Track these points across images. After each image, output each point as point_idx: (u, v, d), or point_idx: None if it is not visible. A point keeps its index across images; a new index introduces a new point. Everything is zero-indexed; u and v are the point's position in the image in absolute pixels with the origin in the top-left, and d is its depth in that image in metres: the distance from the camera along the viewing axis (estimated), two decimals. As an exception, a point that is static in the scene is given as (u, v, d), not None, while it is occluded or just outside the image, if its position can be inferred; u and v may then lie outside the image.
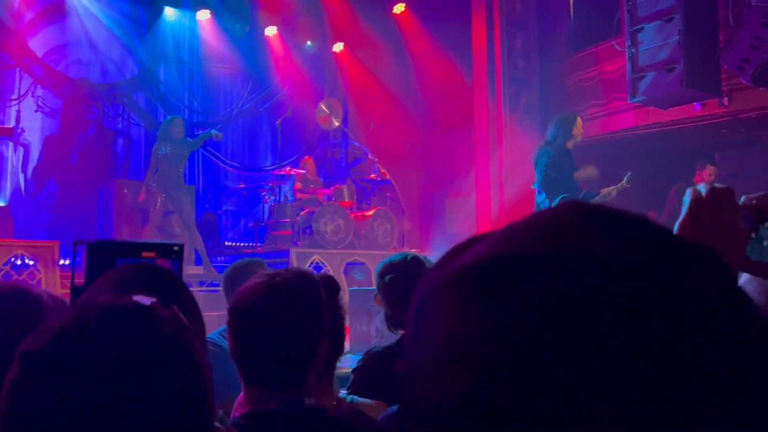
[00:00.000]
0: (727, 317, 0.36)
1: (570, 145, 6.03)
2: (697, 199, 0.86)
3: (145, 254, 0.99)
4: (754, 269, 0.90)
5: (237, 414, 1.42)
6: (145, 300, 0.75)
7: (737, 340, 0.35)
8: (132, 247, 1.01)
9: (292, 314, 1.41)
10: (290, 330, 1.41)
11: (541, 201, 6.04)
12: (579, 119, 6.20)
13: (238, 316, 1.42)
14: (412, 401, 0.40)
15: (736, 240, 0.83)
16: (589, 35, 8.63)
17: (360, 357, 2.43)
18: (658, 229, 0.39)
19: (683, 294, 0.36)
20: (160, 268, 0.90)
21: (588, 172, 6.00)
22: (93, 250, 0.96)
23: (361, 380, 2.26)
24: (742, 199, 0.90)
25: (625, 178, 6.00)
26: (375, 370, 2.24)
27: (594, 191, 6.05)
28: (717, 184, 0.86)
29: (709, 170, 6.85)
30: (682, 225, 0.86)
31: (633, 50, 6.54)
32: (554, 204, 5.72)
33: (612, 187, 6.03)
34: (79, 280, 1.01)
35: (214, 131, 8.56)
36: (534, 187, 6.19)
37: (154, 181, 7.69)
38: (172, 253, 1.05)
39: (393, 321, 2.40)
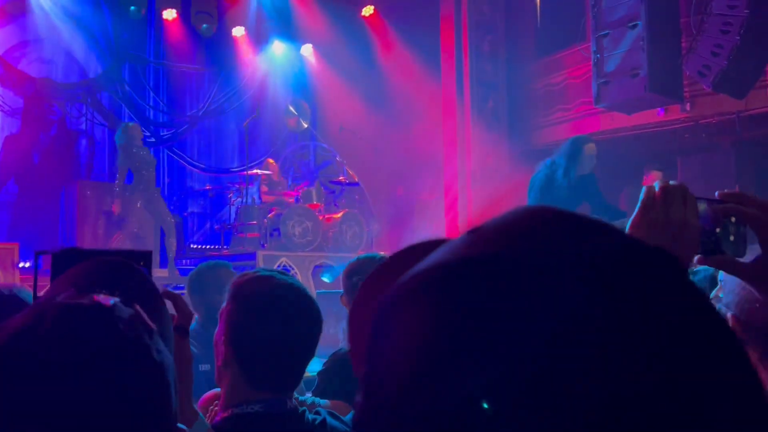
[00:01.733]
0: (679, 317, 0.36)
1: (568, 174, 5.44)
2: (648, 197, 0.88)
3: (96, 260, 0.97)
4: (710, 263, 0.92)
5: (217, 417, 1.42)
6: (106, 299, 0.74)
7: (689, 340, 0.35)
8: (97, 254, 1.00)
9: (299, 314, 1.44)
10: (296, 331, 1.43)
11: None
12: (589, 146, 5.59)
13: (248, 316, 1.41)
14: (372, 411, 0.39)
15: (686, 235, 0.85)
16: (556, 40, 8.74)
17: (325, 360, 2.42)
18: (611, 233, 0.39)
19: (631, 299, 0.35)
20: (125, 265, 0.89)
21: None
22: (58, 259, 0.95)
23: (326, 383, 2.25)
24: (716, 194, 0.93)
25: None
26: (339, 372, 2.24)
27: None
28: (671, 182, 0.88)
29: (654, 175, 6.96)
30: (633, 222, 0.88)
31: (598, 56, 6.64)
32: None
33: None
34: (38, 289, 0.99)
35: None
36: None
37: (129, 188, 7.62)
38: (141, 260, 1.04)
39: None
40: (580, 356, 0.33)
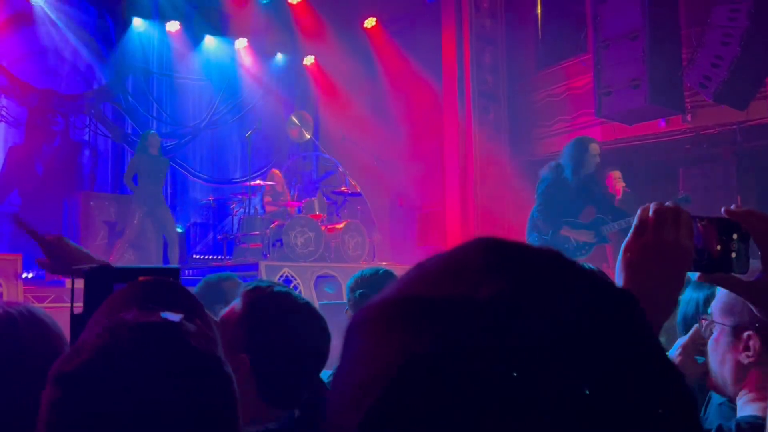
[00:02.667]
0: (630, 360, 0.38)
1: (578, 174, 5.55)
2: (641, 220, 0.89)
3: (142, 279, 0.99)
4: (710, 280, 0.94)
5: None
6: (174, 316, 0.77)
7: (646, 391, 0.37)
8: (129, 272, 1.01)
9: (317, 334, 1.48)
10: (314, 350, 1.47)
11: (531, 227, 5.75)
12: (592, 146, 5.68)
13: (268, 335, 1.43)
14: (330, 421, 0.42)
15: (678, 257, 0.86)
16: (557, 52, 8.78)
17: (330, 373, 2.41)
18: (560, 266, 0.41)
19: (578, 339, 0.37)
20: (168, 282, 0.91)
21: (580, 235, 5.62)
22: (90, 276, 0.96)
23: None
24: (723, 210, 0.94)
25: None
26: None
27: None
28: (667, 203, 0.90)
29: (613, 174, 7.01)
30: (626, 245, 0.89)
31: (599, 67, 6.67)
32: (547, 236, 5.57)
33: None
34: (78, 307, 1.01)
35: None
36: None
37: (134, 197, 7.65)
38: (170, 276, 1.05)
39: None
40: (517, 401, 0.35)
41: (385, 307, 0.42)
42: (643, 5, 6.30)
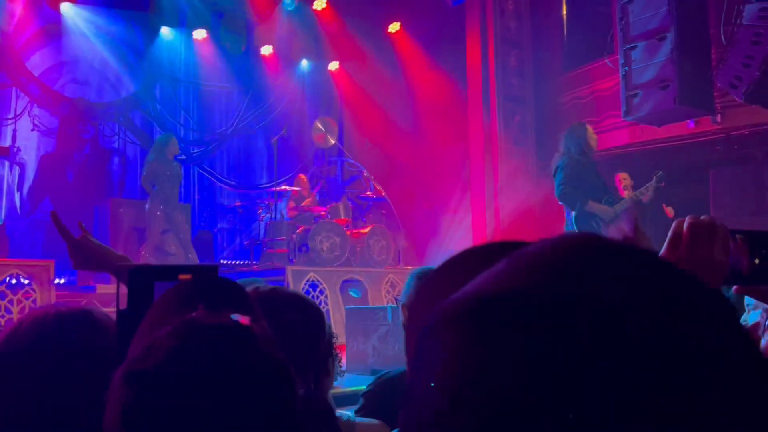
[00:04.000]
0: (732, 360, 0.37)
1: (586, 155, 5.92)
2: (675, 234, 0.88)
3: (181, 277, 1.02)
4: (747, 292, 0.95)
5: None
6: (244, 318, 0.78)
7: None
8: (169, 270, 1.04)
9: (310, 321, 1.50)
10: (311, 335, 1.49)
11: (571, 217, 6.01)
12: (589, 128, 6.11)
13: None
14: (410, 428, 0.40)
15: (710, 272, 0.86)
16: (583, 53, 8.71)
17: (371, 379, 2.40)
18: (667, 270, 0.40)
19: (687, 346, 0.36)
20: (230, 282, 0.93)
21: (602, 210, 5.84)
22: (134, 274, 1.00)
23: (370, 404, 2.21)
24: None
25: (655, 178, 5.99)
26: (384, 395, 2.20)
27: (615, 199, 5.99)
28: (703, 217, 0.89)
29: (620, 176, 6.95)
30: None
31: (626, 68, 6.60)
32: (572, 217, 5.77)
33: (643, 188, 6.02)
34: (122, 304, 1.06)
35: None
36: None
37: (151, 200, 7.71)
38: (209, 273, 1.08)
39: None
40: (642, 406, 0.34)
41: (490, 305, 0.38)
42: (670, 5, 6.21)
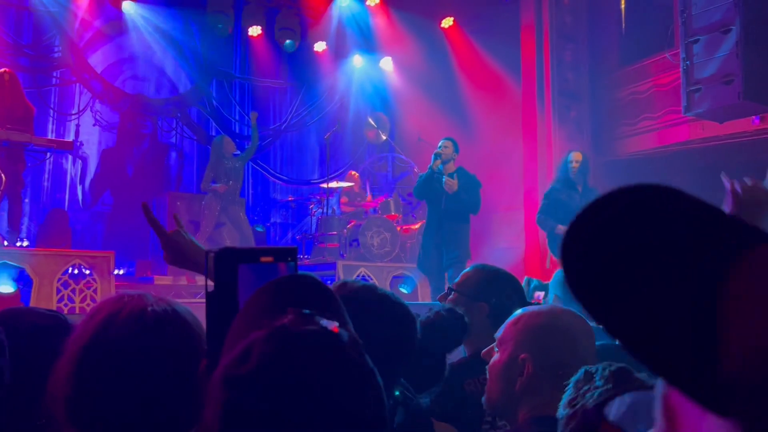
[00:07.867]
0: None
1: (568, 181, 6.63)
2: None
3: (263, 259, 1.06)
4: None
5: None
6: (332, 325, 0.81)
7: None
8: (251, 253, 1.08)
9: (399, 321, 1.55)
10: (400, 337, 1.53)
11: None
12: (572, 153, 6.78)
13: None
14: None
15: None
16: (642, 47, 8.47)
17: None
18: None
19: None
20: (317, 283, 0.95)
21: None
22: (219, 257, 1.04)
23: (438, 406, 2.14)
24: None
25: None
26: (452, 397, 2.15)
27: None
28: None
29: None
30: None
31: (688, 62, 6.39)
32: (548, 230, 6.57)
33: None
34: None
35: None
36: None
37: (210, 195, 7.89)
38: (288, 256, 1.10)
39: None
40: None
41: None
42: (735, -4, 5.99)
